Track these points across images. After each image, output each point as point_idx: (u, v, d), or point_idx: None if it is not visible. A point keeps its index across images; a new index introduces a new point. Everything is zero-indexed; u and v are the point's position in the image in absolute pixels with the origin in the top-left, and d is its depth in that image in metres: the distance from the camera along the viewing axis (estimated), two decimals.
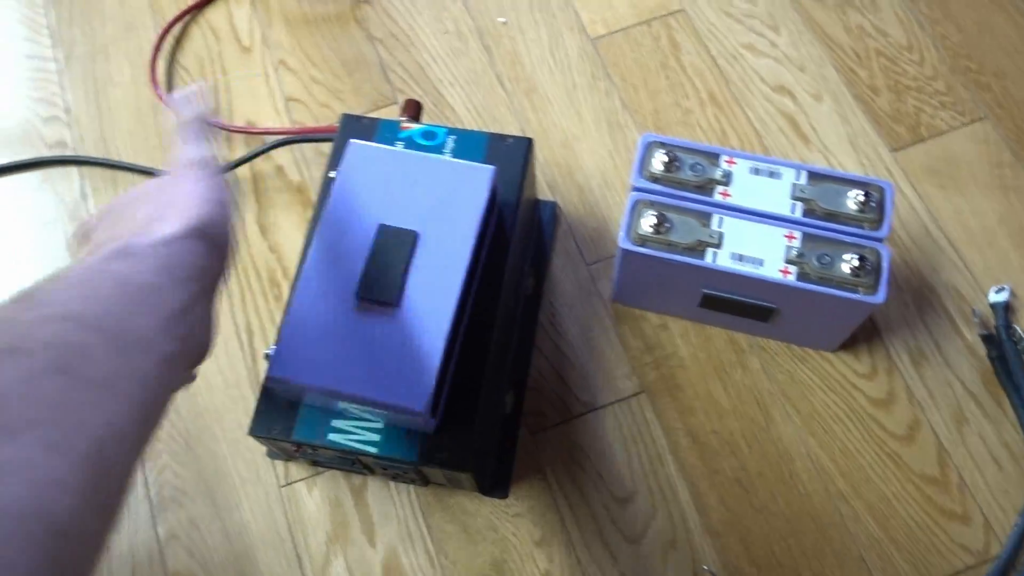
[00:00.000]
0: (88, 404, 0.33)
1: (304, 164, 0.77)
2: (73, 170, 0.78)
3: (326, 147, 0.77)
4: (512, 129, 0.78)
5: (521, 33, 0.82)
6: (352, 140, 0.60)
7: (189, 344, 0.41)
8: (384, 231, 0.56)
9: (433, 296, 0.54)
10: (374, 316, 0.54)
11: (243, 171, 0.77)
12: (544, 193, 0.75)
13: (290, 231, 0.75)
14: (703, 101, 0.78)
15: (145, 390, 0.36)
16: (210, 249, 0.43)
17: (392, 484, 0.66)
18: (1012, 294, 0.70)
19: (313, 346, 0.53)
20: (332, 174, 0.62)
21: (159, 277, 0.40)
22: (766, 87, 0.79)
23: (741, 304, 0.63)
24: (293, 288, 0.59)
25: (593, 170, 0.76)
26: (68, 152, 0.79)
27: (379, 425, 0.56)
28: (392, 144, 0.64)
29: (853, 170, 0.75)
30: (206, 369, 0.70)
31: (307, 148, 0.78)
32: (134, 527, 0.66)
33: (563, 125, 0.78)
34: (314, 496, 0.66)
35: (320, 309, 0.54)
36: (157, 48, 0.81)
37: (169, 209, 0.44)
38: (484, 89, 0.80)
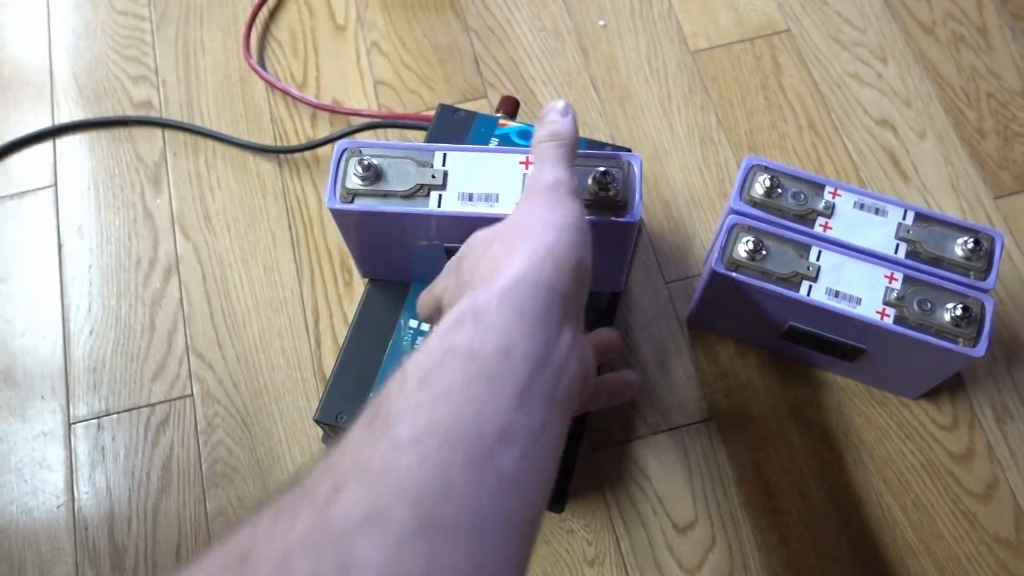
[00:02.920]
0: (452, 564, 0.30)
1: None
2: (157, 132, 0.77)
3: (411, 134, 0.76)
4: (602, 135, 0.76)
5: (620, 38, 0.80)
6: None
7: (561, 394, 0.37)
8: None
9: None
10: None
11: (325, 150, 0.76)
12: None
13: None
14: (801, 126, 0.76)
15: (517, 490, 0.33)
16: (562, 279, 0.40)
17: None
18: None
19: None
20: None
21: (508, 338, 0.36)
22: (868, 119, 0.76)
23: (828, 341, 0.61)
24: None
25: (681, 186, 0.74)
26: (154, 114, 0.78)
27: None
28: (487, 140, 0.62)
29: (952, 213, 0.72)
30: (269, 348, 0.69)
31: (391, 133, 0.76)
32: (183, 499, 0.65)
33: (654, 136, 0.76)
34: None
35: None
36: (253, 17, 0.80)
37: (517, 240, 0.41)
38: (577, 91, 0.78)
